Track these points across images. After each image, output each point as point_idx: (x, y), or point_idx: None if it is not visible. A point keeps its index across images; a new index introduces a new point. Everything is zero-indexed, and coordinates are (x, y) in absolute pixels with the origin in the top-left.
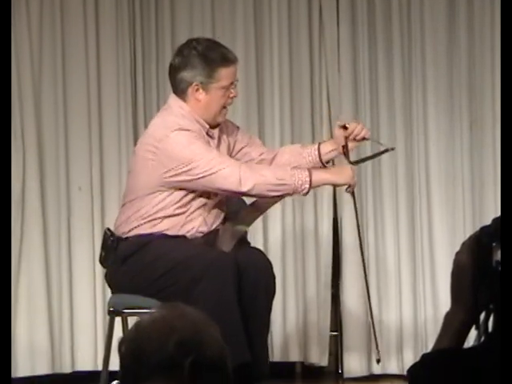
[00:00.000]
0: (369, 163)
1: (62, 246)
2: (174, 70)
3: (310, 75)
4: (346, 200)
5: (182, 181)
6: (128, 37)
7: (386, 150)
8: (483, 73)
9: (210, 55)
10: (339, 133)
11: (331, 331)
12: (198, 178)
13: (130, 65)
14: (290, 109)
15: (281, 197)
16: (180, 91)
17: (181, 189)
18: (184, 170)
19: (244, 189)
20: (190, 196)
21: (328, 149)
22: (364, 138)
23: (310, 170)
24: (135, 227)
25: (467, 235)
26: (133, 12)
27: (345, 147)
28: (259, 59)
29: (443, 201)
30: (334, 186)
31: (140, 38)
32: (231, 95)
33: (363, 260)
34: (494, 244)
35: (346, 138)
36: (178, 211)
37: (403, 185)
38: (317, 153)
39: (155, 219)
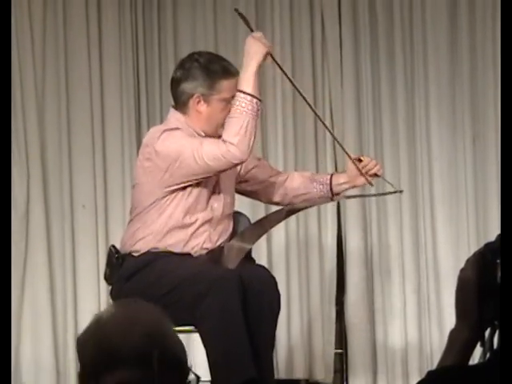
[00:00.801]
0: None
1: (67, 263)
2: (175, 83)
3: (313, 93)
4: (350, 213)
5: (179, 176)
6: (131, 53)
7: (395, 192)
8: (485, 89)
9: (211, 67)
10: (353, 166)
11: (336, 348)
12: (189, 165)
13: (133, 83)
14: (293, 127)
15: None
16: (181, 104)
17: (184, 188)
18: (177, 165)
19: (237, 157)
20: (194, 196)
21: (340, 181)
22: (375, 175)
23: (238, 90)
24: (141, 239)
25: (471, 251)
26: (135, 27)
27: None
28: (262, 75)
29: (447, 216)
30: (260, 64)
31: (143, 54)
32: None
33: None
34: (498, 261)
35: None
36: (184, 222)
37: (407, 201)
38: (328, 182)
39: (161, 231)
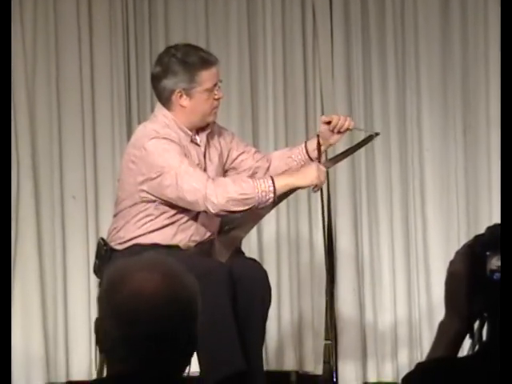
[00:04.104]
0: (363, 171)
1: (57, 255)
2: (155, 80)
3: (304, 82)
4: (341, 207)
5: (152, 188)
6: (122, 46)
7: (371, 136)
8: (476, 80)
9: (189, 60)
10: (324, 128)
11: (325, 339)
12: (166, 188)
13: (123, 74)
14: (284, 116)
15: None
16: (164, 100)
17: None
18: (153, 177)
19: (208, 205)
20: (178, 207)
21: (315, 145)
22: (348, 129)
23: (272, 178)
24: (127, 240)
25: (461, 242)
26: (126, 21)
27: (318, 146)
28: (253, 67)
29: (437, 207)
30: (299, 188)
31: (134, 47)
32: (216, 97)
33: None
34: (487, 253)
35: (318, 137)
36: (166, 222)
37: (398, 192)
38: (304, 151)
39: (145, 233)
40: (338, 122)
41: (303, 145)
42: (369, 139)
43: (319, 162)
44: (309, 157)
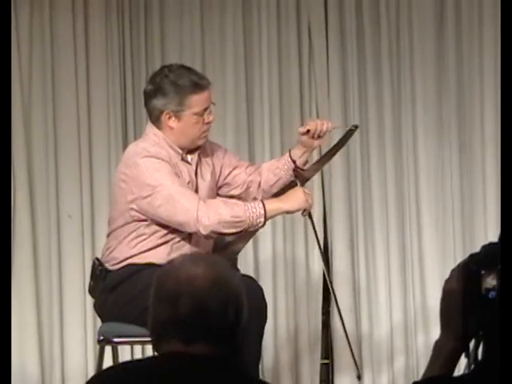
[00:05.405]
0: (359, 190)
1: (53, 274)
2: (147, 98)
3: (300, 97)
4: (337, 228)
5: (143, 209)
6: (118, 63)
7: (351, 131)
8: (472, 99)
9: (180, 83)
10: (304, 138)
11: (322, 358)
12: (157, 208)
13: (119, 92)
14: (279, 130)
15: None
16: (154, 119)
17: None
18: (144, 196)
19: (200, 227)
20: (170, 226)
21: (299, 153)
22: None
23: (263, 202)
24: (121, 261)
25: (457, 259)
26: (122, 37)
27: (295, 171)
28: (249, 84)
29: (433, 226)
30: (288, 213)
31: (130, 64)
32: (206, 121)
33: (330, 282)
34: (482, 271)
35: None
36: (159, 241)
37: (394, 209)
38: (289, 159)
39: (138, 253)
40: (317, 128)
41: (288, 153)
42: (349, 134)
43: (301, 185)
44: (296, 166)
